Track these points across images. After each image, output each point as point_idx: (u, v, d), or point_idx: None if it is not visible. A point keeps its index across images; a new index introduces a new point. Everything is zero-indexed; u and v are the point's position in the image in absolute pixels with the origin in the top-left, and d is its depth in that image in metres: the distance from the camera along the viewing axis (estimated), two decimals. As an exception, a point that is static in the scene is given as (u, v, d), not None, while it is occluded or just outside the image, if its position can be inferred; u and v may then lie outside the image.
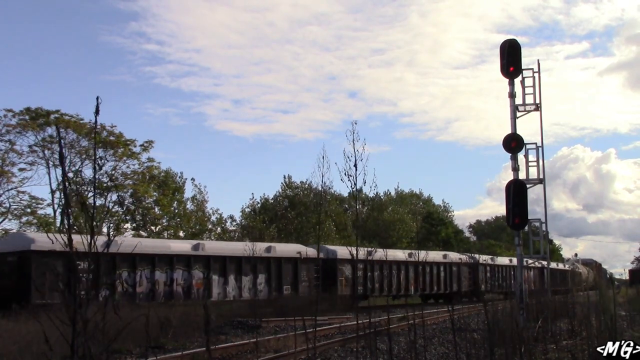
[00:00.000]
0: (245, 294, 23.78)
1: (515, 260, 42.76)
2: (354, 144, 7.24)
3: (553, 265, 46.81)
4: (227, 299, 22.86)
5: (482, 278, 37.42)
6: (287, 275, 25.36)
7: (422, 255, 32.62)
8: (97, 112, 4.24)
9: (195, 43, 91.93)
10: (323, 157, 7.62)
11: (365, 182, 7.40)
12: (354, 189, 7.39)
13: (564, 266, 52.97)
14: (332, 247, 28.92)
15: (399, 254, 32.39)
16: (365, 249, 31.18)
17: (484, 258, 38.18)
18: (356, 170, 7.26)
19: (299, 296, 24.72)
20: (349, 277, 27.85)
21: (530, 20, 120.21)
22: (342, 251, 27.29)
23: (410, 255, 32.02)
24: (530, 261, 42.17)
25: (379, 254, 29.71)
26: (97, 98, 4.20)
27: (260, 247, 24.47)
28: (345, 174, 7.34)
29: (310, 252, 26.51)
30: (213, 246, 25.13)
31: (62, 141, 32.78)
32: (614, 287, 22.63)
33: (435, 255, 34.36)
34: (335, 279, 27.08)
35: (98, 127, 33.99)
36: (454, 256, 36.26)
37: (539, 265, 41.63)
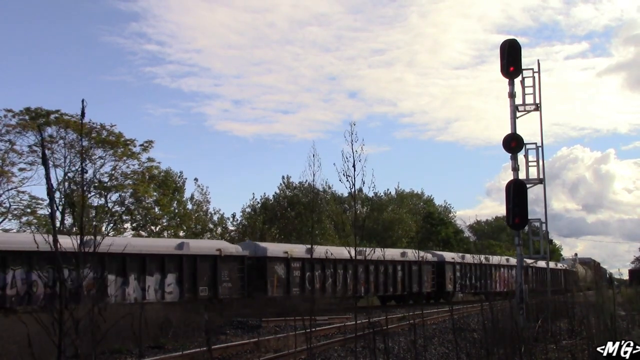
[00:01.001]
0: (151, 295, 20.76)
1: (494, 259, 39.64)
2: (352, 145, 7.23)
3: (543, 264, 45.31)
4: (126, 302, 19.69)
5: (450, 278, 34.54)
6: (203, 275, 22.32)
7: (375, 253, 29.98)
8: (82, 115, 4.23)
9: (196, 43, 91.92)
10: (314, 156, 7.59)
11: (364, 183, 7.40)
12: (353, 189, 7.39)
13: (556, 265, 50.86)
14: (263, 244, 25.97)
15: (345, 252, 29.11)
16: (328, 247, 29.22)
17: (451, 256, 35.27)
18: (354, 171, 7.28)
19: (218, 298, 22.15)
20: (282, 278, 24.79)
21: (530, 20, 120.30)
22: (274, 248, 25.42)
23: (359, 253, 29.18)
24: (512, 259, 39.74)
25: (319, 251, 26.55)
26: (83, 101, 4.20)
27: (170, 244, 22.62)
28: (344, 174, 7.34)
29: (235, 249, 24.07)
30: (108, 242, 21.83)
31: (62, 141, 32.81)
32: (613, 287, 22.64)
33: (391, 253, 31.27)
34: (265, 279, 24.16)
35: (98, 126, 34.03)
36: (414, 254, 33.18)
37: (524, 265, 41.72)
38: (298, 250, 26.02)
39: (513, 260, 40.89)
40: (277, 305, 23.26)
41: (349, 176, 7.33)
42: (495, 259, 40.61)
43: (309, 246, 26.14)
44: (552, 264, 48.00)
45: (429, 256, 33.60)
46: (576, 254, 68.12)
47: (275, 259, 24.69)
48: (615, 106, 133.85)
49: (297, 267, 25.66)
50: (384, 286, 30.09)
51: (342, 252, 27.84)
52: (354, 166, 7.29)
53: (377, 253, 29.39)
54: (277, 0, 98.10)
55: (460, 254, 37.22)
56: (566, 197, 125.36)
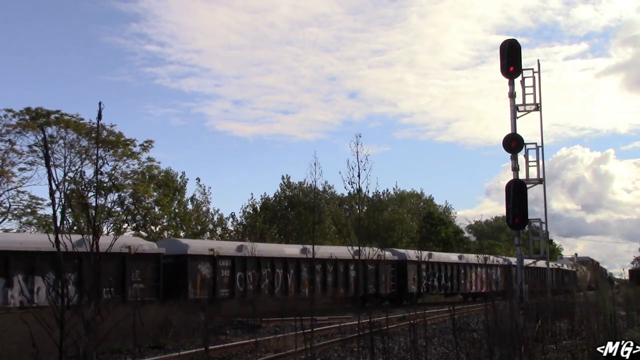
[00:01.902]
0: (41, 298, 18.00)
1: (469, 257, 37.19)
2: (357, 155, 7.39)
3: (541, 264, 42.89)
4: (8, 306, 17.42)
5: (414, 278, 31.53)
6: (108, 275, 19.88)
7: (322, 251, 26.59)
8: (99, 117, 4.22)
9: (196, 44, 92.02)
10: (315, 164, 7.70)
11: (368, 190, 7.48)
12: (357, 195, 7.52)
13: (554, 265, 48.64)
14: (184, 241, 23.79)
15: (288, 250, 26.62)
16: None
17: (415, 254, 31.96)
18: (359, 179, 7.44)
19: (126, 301, 18.98)
20: (207, 278, 22.28)
21: (530, 21, 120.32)
22: (197, 245, 23.17)
23: (303, 251, 25.90)
24: (493, 258, 38.39)
25: (262, 248, 24.65)
26: (100, 103, 4.18)
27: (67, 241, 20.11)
28: (349, 182, 7.49)
29: (150, 246, 21.67)
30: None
31: (62, 141, 32.81)
32: (613, 287, 22.65)
33: (342, 252, 27.64)
34: (186, 279, 21.76)
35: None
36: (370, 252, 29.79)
37: (505, 263, 38.74)
38: (227, 247, 23.68)
39: (494, 259, 38.91)
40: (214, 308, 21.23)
41: (354, 183, 7.46)
42: (471, 258, 37.58)
43: (241, 244, 24.62)
44: (552, 264, 46.63)
45: (387, 255, 30.52)
46: (576, 254, 67.95)
47: (198, 258, 22.24)
48: (614, 106, 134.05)
49: (226, 266, 23.00)
50: (333, 287, 27.06)
51: (281, 249, 26.44)
52: (359, 175, 7.43)
53: (325, 251, 27.05)
54: (277, 0, 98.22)
55: (428, 252, 33.67)
56: (565, 197, 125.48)
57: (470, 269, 36.34)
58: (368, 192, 7.84)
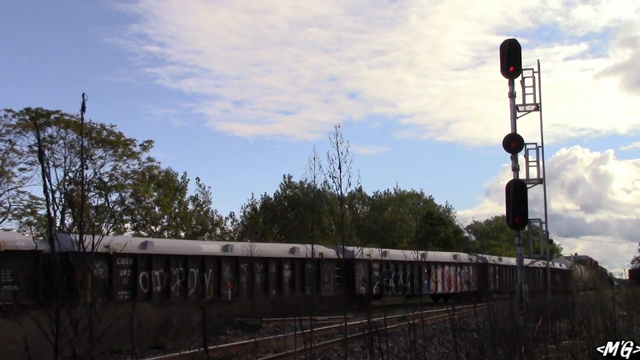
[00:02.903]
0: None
1: (435, 255, 34.97)
2: (337, 146, 7.37)
3: (538, 263, 39.72)
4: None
5: (364, 278, 28.51)
6: None
7: (244, 249, 24.00)
8: (83, 109, 4.22)
9: (196, 44, 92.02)
10: (314, 159, 7.61)
11: (350, 184, 7.52)
12: (339, 190, 7.56)
13: (540, 263, 44.95)
14: (72, 237, 19.57)
15: (207, 247, 24.16)
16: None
17: (366, 252, 28.77)
18: (340, 172, 7.41)
19: None
20: (101, 278, 19.70)
21: (530, 21, 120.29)
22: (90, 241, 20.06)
23: (225, 248, 23.51)
24: (466, 256, 35.97)
25: (173, 245, 22.96)
26: (83, 95, 4.18)
27: None
28: (330, 176, 7.50)
29: (26, 243, 18.86)
30: None
31: (62, 141, 32.80)
32: (613, 287, 22.64)
33: (277, 249, 25.93)
34: (73, 280, 19.16)
35: (98, 126, 34.02)
36: (307, 250, 25.53)
37: (480, 262, 36.52)
38: (128, 244, 20.61)
39: (463, 257, 35.62)
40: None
41: (336, 177, 7.46)
42: (437, 256, 34.55)
43: (146, 240, 22.05)
44: (535, 263, 42.48)
45: (331, 252, 26.94)
46: (576, 254, 67.86)
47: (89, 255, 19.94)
48: (614, 107, 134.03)
49: (126, 265, 20.52)
50: (263, 288, 24.07)
51: (198, 246, 23.82)
52: (339, 168, 7.41)
53: (260, 248, 24.07)
54: (278, 1, 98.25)
55: (383, 250, 30.49)
56: (565, 197, 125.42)
57: (435, 268, 33.22)
58: (350, 185, 7.93)
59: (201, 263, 22.47)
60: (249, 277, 23.74)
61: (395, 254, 31.55)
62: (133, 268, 20.69)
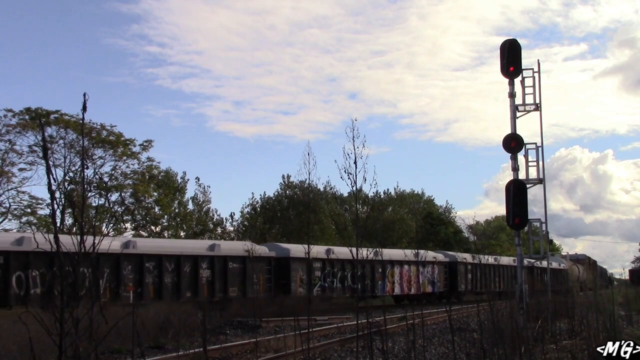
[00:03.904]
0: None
1: (391, 253, 30.38)
2: (353, 141, 6.99)
3: (507, 260, 39.47)
4: None
5: (301, 278, 25.63)
6: None
7: (150, 245, 21.93)
8: (84, 108, 4.22)
9: (197, 45, 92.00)
10: (309, 154, 7.32)
11: (365, 180, 7.11)
12: (354, 187, 7.12)
13: (541, 263, 41.22)
14: None
15: (102, 243, 18.12)
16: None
17: (302, 250, 25.00)
18: (356, 167, 7.02)
19: None
20: None
21: (529, 22, 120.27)
22: None
23: (126, 245, 20.36)
24: (434, 255, 33.51)
25: (40, 240, 17.19)
26: (85, 95, 4.18)
27: None
28: (345, 171, 7.07)
29: None
30: None
31: (62, 141, 32.82)
32: (613, 287, 22.65)
33: (186, 246, 23.13)
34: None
35: (98, 127, 34.02)
36: (233, 247, 23.90)
37: (446, 260, 34.23)
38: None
39: (427, 255, 32.54)
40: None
41: (351, 174, 7.04)
42: (394, 254, 31.00)
43: (22, 235, 18.25)
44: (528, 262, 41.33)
45: (261, 250, 24.53)
46: (576, 253, 67.59)
47: None
48: (613, 107, 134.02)
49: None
50: (174, 289, 21.14)
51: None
52: (355, 162, 7.02)
53: (171, 245, 21.88)
54: (278, 2, 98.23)
55: (326, 247, 28.22)
56: (564, 197, 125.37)
57: (392, 267, 30.33)
58: (365, 180, 7.58)
59: (95, 262, 18.65)
60: (155, 278, 20.78)
61: (342, 252, 26.90)
62: (4, 268, 17.33)
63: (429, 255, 33.29)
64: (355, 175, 7.04)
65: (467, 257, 36.51)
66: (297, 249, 25.26)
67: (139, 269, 20.43)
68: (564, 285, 38.18)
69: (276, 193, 48.47)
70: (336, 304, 27.90)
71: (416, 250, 31.35)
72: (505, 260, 40.49)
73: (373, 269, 28.91)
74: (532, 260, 39.17)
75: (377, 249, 28.32)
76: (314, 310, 21.71)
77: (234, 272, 22.93)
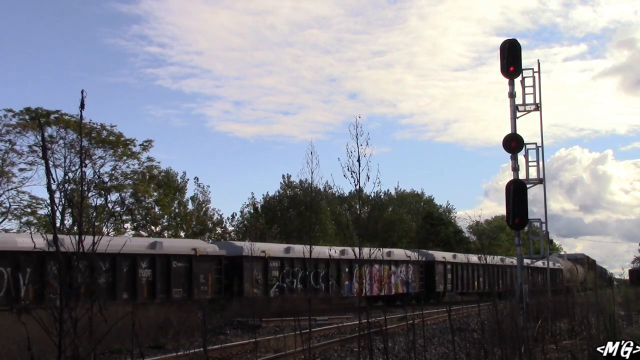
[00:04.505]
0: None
1: (352, 252, 24.89)
2: (357, 139, 6.82)
3: (491, 259, 37.11)
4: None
5: (256, 278, 23.58)
6: None
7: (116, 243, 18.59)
8: (82, 106, 4.21)
9: (197, 45, 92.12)
10: (312, 153, 7.20)
11: (368, 178, 6.96)
12: (357, 185, 6.97)
13: (532, 262, 40.00)
14: None
15: (22, 241, 17.86)
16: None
17: (261, 248, 24.07)
18: (359, 165, 6.87)
19: None
20: None
21: (529, 23, 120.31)
22: None
23: (53, 242, 10.24)
24: (408, 254, 31.14)
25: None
26: (82, 92, 4.17)
27: None
28: (348, 169, 6.91)
29: None
30: None
31: (62, 141, 32.81)
32: (613, 288, 22.63)
33: (126, 243, 19.92)
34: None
35: (98, 127, 34.02)
36: (178, 245, 22.06)
37: (422, 259, 32.16)
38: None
39: (400, 254, 31.14)
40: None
41: (354, 172, 6.88)
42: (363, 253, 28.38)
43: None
44: (504, 260, 39.61)
45: (212, 249, 22.80)
46: (574, 253, 67.38)
47: None
48: (613, 107, 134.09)
49: None
50: (108, 290, 19.34)
51: (13, 239, 18.07)
52: (358, 160, 6.87)
53: (106, 242, 20.24)
54: (278, 2, 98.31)
55: (287, 246, 26.27)
56: (563, 197, 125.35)
57: (360, 267, 26.54)
58: (368, 178, 7.41)
59: (14, 261, 17.03)
60: (87, 278, 18.40)
61: (302, 250, 25.67)
62: None
63: (402, 253, 31.68)
64: (359, 174, 6.91)
65: (447, 255, 34.60)
66: (250, 247, 23.46)
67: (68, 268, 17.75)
68: (558, 286, 37.57)
69: (277, 193, 48.52)
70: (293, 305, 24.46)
71: (380, 249, 27.84)
72: (490, 259, 37.60)
73: (339, 268, 27.23)
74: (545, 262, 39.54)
75: (344, 248, 27.44)
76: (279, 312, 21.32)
77: (178, 272, 21.10)
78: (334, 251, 26.91)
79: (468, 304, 26.01)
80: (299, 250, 25.28)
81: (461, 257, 35.72)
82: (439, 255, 34.30)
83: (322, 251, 26.11)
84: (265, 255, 23.91)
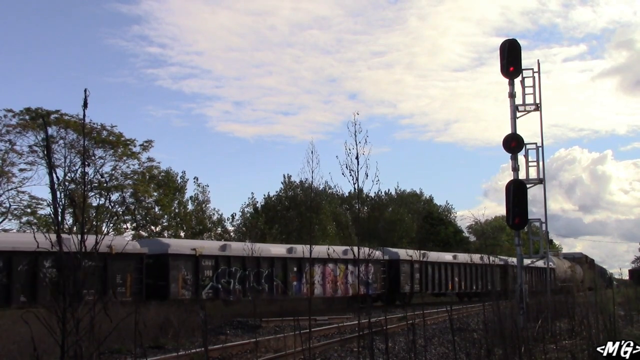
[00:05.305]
0: None
1: (302, 249, 25.61)
2: (355, 136, 6.71)
3: (464, 257, 35.69)
4: None
5: (185, 279, 21.74)
6: None
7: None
8: (85, 105, 4.23)
9: (197, 46, 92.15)
10: (312, 152, 7.08)
11: (367, 176, 6.85)
12: (356, 184, 6.87)
13: (497, 260, 38.17)
14: None
15: None
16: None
17: (190, 246, 22.67)
18: (358, 163, 6.77)
19: None
20: None
21: (529, 23, 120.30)
22: None
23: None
24: (369, 252, 26.35)
25: None
26: (85, 91, 4.18)
27: None
28: (346, 167, 6.79)
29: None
30: None
31: (62, 141, 32.80)
32: (613, 287, 22.63)
33: (26, 240, 18.96)
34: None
35: (98, 127, 34.02)
36: (89, 242, 11.66)
37: (385, 258, 29.62)
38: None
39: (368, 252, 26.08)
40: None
41: (352, 170, 6.77)
42: (313, 252, 25.03)
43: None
44: (492, 260, 36.29)
45: (132, 246, 21.04)
46: (572, 252, 67.21)
47: None
48: (613, 108, 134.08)
49: None
50: (3, 292, 17.90)
51: None
52: (357, 158, 6.76)
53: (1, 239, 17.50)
54: (278, 3, 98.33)
55: (222, 243, 24.74)
56: (563, 197, 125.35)
57: (311, 266, 26.17)
58: (367, 176, 7.28)
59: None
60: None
61: (241, 247, 24.00)
62: None
63: (361, 252, 27.93)
64: (357, 172, 6.80)
65: (415, 254, 31.97)
66: (178, 245, 22.10)
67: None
68: (550, 286, 35.17)
69: (278, 193, 48.53)
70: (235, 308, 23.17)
71: (345, 248, 27.57)
72: (462, 257, 36.03)
73: (285, 267, 25.24)
74: (506, 258, 38.39)
75: (291, 247, 26.09)
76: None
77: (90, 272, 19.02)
78: (282, 249, 25.53)
79: (440, 306, 24.71)
80: (238, 248, 23.86)
81: (432, 256, 33.30)
82: (405, 253, 31.93)
83: (264, 249, 24.54)
84: (196, 253, 22.15)
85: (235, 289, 23.41)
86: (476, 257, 36.24)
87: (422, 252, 33.48)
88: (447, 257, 35.03)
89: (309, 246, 24.83)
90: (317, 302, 27.10)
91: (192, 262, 22.08)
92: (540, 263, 35.29)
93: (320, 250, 25.45)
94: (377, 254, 28.14)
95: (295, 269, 25.73)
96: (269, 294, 24.58)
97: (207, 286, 22.48)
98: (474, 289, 36.23)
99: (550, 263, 47.02)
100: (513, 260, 37.20)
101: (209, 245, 23.75)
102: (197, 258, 22.14)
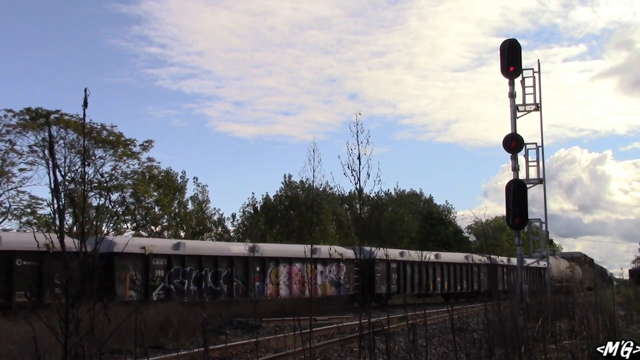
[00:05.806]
0: None
1: (271, 248, 25.57)
2: (357, 136, 6.66)
3: (449, 257, 35.11)
4: None
5: (132, 279, 20.59)
6: None
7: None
8: (85, 104, 4.23)
9: (197, 46, 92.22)
10: (314, 151, 6.98)
11: (369, 176, 6.70)
12: (357, 184, 6.84)
13: (508, 261, 37.76)
14: None
15: None
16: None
17: (140, 244, 21.18)
18: (360, 163, 6.73)
19: None
20: None
21: (529, 23, 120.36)
22: None
23: None
24: (340, 251, 26.71)
25: None
26: (85, 90, 4.19)
27: None
28: (348, 167, 6.77)
29: None
30: None
31: (62, 141, 32.80)
32: (613, 287, 22.61)
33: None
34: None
35: (98, 127, 34.02)
36: (25, 240, 18.51)
37: (358, 258, 25.58)
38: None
39: (325, 251, 26.60)
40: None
41: (354, 170, 6.74)
42: (279, 251, 26.12)
43: None
44: (481, 259, 36.16)
45: (71, 245, 14.39)
46: (570, 252, 67.07)
47: None
48: (613, 108, 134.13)
49: None
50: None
51: None
52: (359, 158, 6.73)
53: None
54: (278, 3, 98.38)
55: (176, 241, 23.76)
56: (562, 197, 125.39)
57: (276, 266, 25.13)
58: (369, 176, 7.24)
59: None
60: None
61: (196, 246, 23.13)
62: None
63: (332, 251, 27.58)
64: (359, 172, 6.77)
65: (393, 253, 31.15)
66: (124, 242, 19.88)
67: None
68: (542, 286, 34.17)
69: (279, 193, 48.52)
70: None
71: (317, 246, 26.82)
72: (447, 256, 35.26)
73: (247, 267, 23.94)
74: (494, 257, 37.81)
75: (254, 245, 24.94)
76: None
77: (24, 272, 17.74)
78: (244, 247, 24.27)
79: (424, 307, 24.61)
80: (192, 246, 22.74)
81: (412, 255, 31.76)
82: (381, 252, 29.97)
83: (222, 248, 23.39)
84: (145, 252, 20.88)
85: (190, 289, 22.16)
86: (460, 257, 35.76)
87: (400, 251, 32.53)
88: (430, 256, 33.81)
89: (274, 245, 25.93)
90: (285, 302, 25.05)
91: (142, 262, 20.82)
92: (529, 261, 33.45)
93: (288, 249, 24.87)
94: (349, 252, 27.76)
95: (258, 268, 24.50)
96: (228, 295, 23.28)
97: (158, 287, 21.32)
98: (458, 290, 35.02)
99: (544, 263, 46.77)
100: (502, 259, 39.23)
101: (161, 244, 22.71)
102: (147, 257, 20.91)
